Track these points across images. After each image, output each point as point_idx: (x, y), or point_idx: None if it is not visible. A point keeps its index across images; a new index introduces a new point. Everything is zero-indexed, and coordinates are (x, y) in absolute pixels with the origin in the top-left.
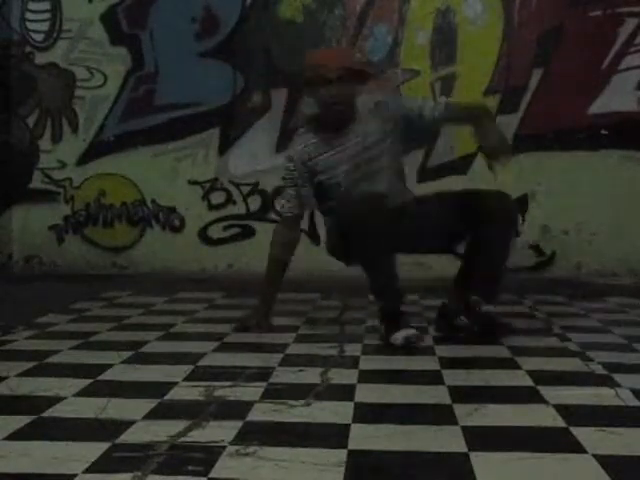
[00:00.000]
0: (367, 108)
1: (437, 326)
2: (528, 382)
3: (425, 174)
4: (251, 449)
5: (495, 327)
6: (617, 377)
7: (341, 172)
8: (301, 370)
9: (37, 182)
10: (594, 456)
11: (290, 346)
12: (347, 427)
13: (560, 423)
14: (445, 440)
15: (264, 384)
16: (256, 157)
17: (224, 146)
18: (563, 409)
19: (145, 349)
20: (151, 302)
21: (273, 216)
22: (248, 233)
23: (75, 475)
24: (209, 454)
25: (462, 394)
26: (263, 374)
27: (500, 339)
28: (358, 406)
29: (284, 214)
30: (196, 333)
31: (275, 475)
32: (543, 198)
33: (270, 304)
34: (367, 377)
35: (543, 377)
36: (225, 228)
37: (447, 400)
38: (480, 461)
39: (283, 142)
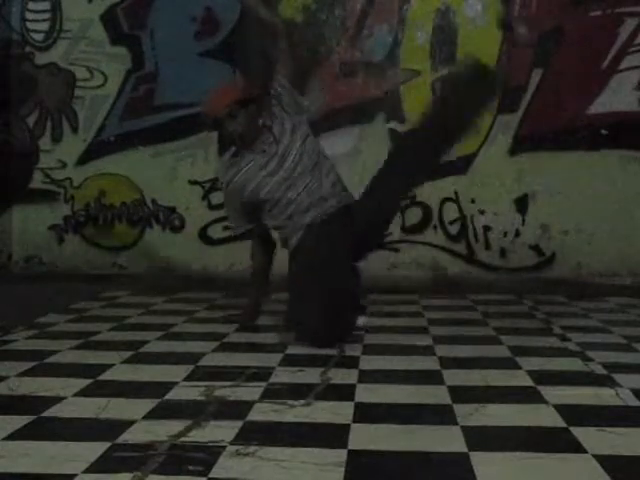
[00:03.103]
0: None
1: None
2: (528, 382)
3: None
4: (251, 449)
5: None
6: (617, 377)
7: (268, 191)
8: (301, 370)
9: (37, 182)
10: (594, 456)
11: (290, 346)
12: (347, 427)
13: (560, 423)
14: (445, 440)
15: (264, 384)
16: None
17: (224, 146)
18: (563, 409)
19: (145, 349)
20: (151, 302)
21: None
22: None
23: (75, 475)
24: (209, 454)
25: (462, 394)
26: (263, 374)
27: None
28: (358, 406)
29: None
30: (196, 333)
31: (275, 475)
32: (543, 198)
33: (259, 300)
34: (367, 377)
35: (543, 377)
36: (225, 228)
37: (447, 400)
38: (480, 461)
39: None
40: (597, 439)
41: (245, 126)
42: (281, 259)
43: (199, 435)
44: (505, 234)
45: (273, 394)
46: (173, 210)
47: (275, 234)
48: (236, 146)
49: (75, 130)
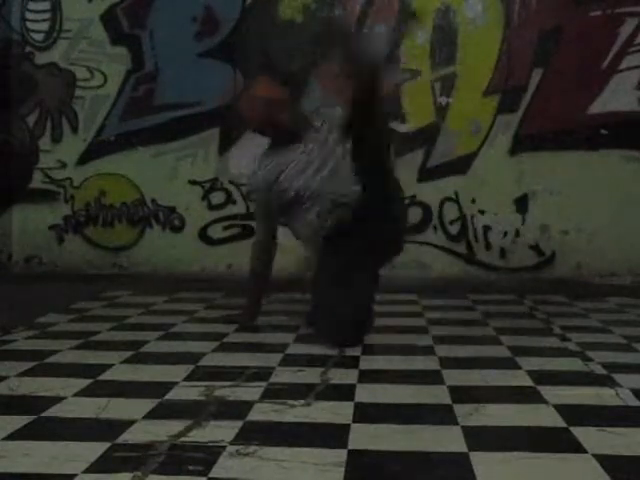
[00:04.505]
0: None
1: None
2: (528, 382)
3: (425, 174)
4: (251, 449)
5: None
6: (617, 377)
7: (299, 186)
8: (301, 370)
9: (37, 182)
10: (594, 456)
11: (290, 346)
12: (347, 427)
13: (560, 423)
14: (445, 440)
15: (264, 384)
16: (256, 157)
17: (224, 146)
18: (563, 409)
19: (145, 349)
20: (151, 302)
21: None
22: (248, 233)
23: (75, 475)
24: (209, 454)
25: (462, 394)
26: (263, 374)
27: None
28: (358, 406)
29: (257, 238)
30: (196, 333)
31: (275, 475)
32: (543, 198)
33: (259, 300)
34: (367, 377)
35: (543, 377)
36: (225, 228)
37: (447, 400)
38: (480, 461)
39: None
40: (597, 439)
41: (291, 123)
42: (282, 260)
43: (199, 435)
44: (505, 234)
45: (273, 394)
46: (173, 210)
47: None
48: (277, 142)
49: (75, 130)
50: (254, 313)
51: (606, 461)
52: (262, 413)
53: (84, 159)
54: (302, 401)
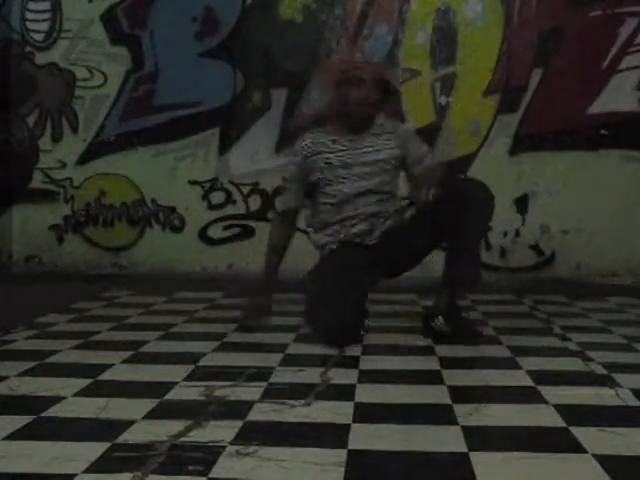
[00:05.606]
0: (384, 127)
1: (422, 330)
2: (528, 382)
3: None
4: (251, 449)
5: (467, 333)
6: (617, 377)
7: (336, 175)
8: (301, 370)
9: (37, 182)
10: (594, 456)
11: (290, 346)
12: (347, 427)
13: (560, 423)
14: (445, 440)
15: (264, 384)
16: (256, 157)
17: (224, 146)
18: (563, 409)
19: (145, 349)
20: (151, 302)
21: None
22: (248, 233)
23: (75, 475)
24: (209, 454)
25: (462, 394)
26: (263, 374)
27: (472, 344)
28: (358, 406)
29: (278, 209)
30: (196, 333)
31: (275, 475)
32: (543, 198)
33: (271, 291)
34: (367, 377)
35: (543, 377)
36: (225, 228)
37: (447, 400)
38: (480, 461)
39: (283, 142)
40: (597, 439)
41: (371, 106)
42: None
43: (199, 435)
44: (505, 234)
45: (273, 394)
46: (173, 210)
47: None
48: (330, 121)
49: (75, 130)
50: (268, 307)
51: (606, 461)
52: (262, 413)
53: (84, 159)
54: (302, 401)
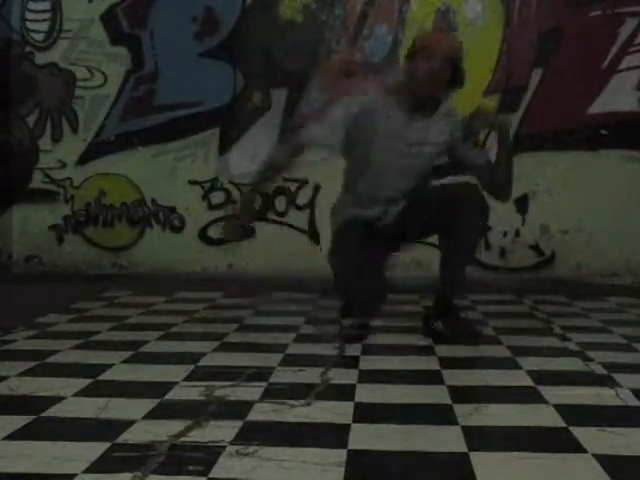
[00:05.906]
0: (444, 111)
1: (422, 330)
2: (528, 382)
3: None
4: (251, 449)
5: (466, 334)
6: (617, 377)
7: (382, 146)
8: (301, 370)
9: (37, 182)
10: (594, 456)
11: (290, 346)
12: (347, 427)
13: (560, 423)
14: (445, 440)
15: (264, 384)
16: (256, 157)
17: (224, 146)
18: (563, 409)
19: (145, 349)
20: (151, 302)
21: (273, 216)
22: (248, 233)
23: (75, 475)
24: (209, 454)
25: (462, 394)
26: (263, 374)
27: (472, 344)
28: (358, 406)
29: (291, 137)
30: (196, 333)
31: (275, 475)
32: (543, 198)
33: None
34: (367, 377)
35: (543, 377)
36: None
37: (447, 400)
38: (480, 461)
39: (283, 142)
40: (597, 439)
41: (440, 83)
42: (282, 260)
43: (199, 435)
44: (505, 234)
45: (273, 394)
46: (173, 210)
47: None
48: (399, 92)
49: (75, 130)
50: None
51: (606, 461)
52: (262, 413)
53: (84, 159)
54: (302, 401)
